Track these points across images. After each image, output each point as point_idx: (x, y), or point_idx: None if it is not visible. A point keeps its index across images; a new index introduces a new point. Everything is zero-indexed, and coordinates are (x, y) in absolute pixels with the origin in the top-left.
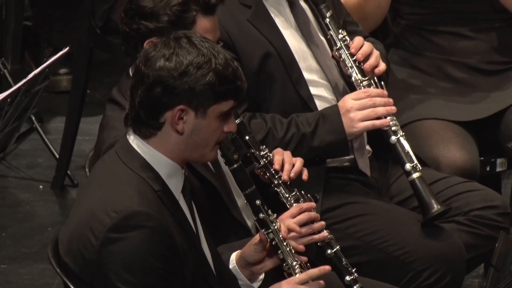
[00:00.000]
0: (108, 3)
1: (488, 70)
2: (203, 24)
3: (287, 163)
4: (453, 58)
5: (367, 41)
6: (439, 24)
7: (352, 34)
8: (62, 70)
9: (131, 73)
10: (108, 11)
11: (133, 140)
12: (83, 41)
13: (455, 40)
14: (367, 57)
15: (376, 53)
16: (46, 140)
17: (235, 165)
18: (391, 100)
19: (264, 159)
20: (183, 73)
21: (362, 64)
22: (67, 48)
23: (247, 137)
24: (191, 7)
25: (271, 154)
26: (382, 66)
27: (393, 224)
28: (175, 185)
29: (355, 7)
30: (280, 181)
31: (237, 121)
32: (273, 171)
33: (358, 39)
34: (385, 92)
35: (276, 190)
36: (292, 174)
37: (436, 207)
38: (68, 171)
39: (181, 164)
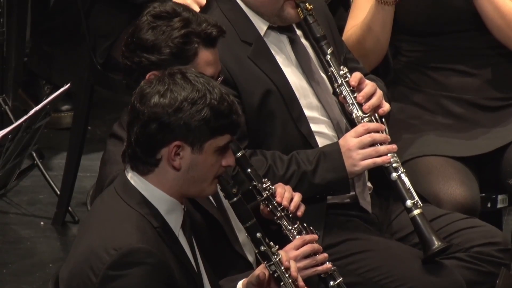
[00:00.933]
0: (109, 40)
1: (488, 106)
2: (205, 56)
3: (287, 191)
4: (453, 94)
5: (368, 78)
6: (439, 61)
7: (353, 71)
8: (63, 107)
9: None
10: (109, 48)
11: (132, 177)
12: (84, 78)
13: (454, 77)
14: (369, 98)
15: (379, 93)
16: (47, 176)
17: (235, 199)
18: (388, 137)
19: (267, 192)
20: (177, 109)
21: (363, 104)
22: (68, 85)
23: (249, 170)
24: (192, 39)
25: (273, 187)
26: (386, 107)
27: (394, 261)
28: (175, 221)
29: (355, 43)
30: (282, 214)
31: (239, 154)
32: (275, 204)
33: (356, 74)
34: (383, 126)
35: (279, 222)
36: (291, 207)
37: (437, 243)
38: (69, 208)
39: (180, 199)
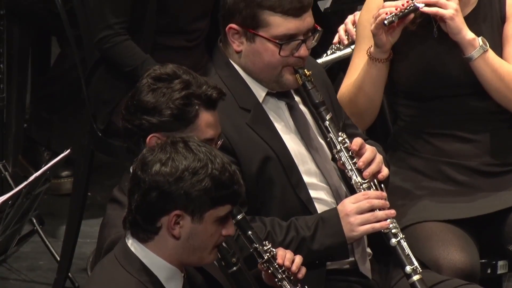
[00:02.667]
0: (110, 106)
1: (489, 172)
2: (205, 118)
3: (289, 253)
4: (452, 160)
5: (367, 144)
6: (438, 127)
7: (352, 137)
8: (63, 173)
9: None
10: (110, 114)
11: (132, 244)
12: (84, 144)
13: (454, 143)
14: (368, 164)
15: (378, 158)
16: (47, 242)
17: (234, 268)
18: (387, 203)
19: (268, 254)
20: (178, 178)
21: (362, 170)
22: (68, 151)
23: (249, 232)
24: (193, 101)
25: (274, 250)
26: (385, 172)
27: None
28: None
29: (348, 102)
30: (284, 276)
31: (240, 216)
32: (276, 266)
33: (357, 139)
34: (384, 194)
35: (280, 284)
36: (293, 268)
37: None
38: (69, 274)
39: (180, 267)
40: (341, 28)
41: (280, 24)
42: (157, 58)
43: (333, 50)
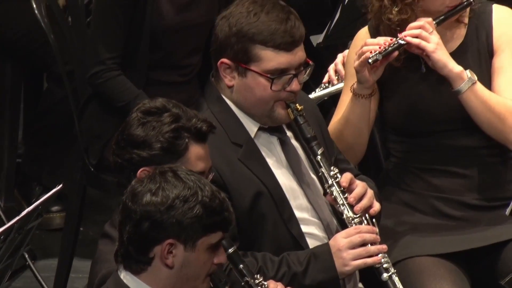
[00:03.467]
0: (102, 141)
1: (480, 206)
2: (195, 151)
3: (279, 285)
4: (444, 195)
5: (359, 178)
6: (429, 162)
7: (344, 172)
8: (55, 208)
9: None
10: (102, 149)
11: (125, 276)
12: (76, 179)
13: (445, 178)
14: (360, 199)
15: (369, 193)
16: (39, 277)
17: None
18: (378, 237)
19: (259, 287)
20: (170, 207)
21: (354, 205)
22: (60, 186)
23: (241, 266)
24: (183, 134)
25: (265, 283)
26: (377, 207)
27: None
28: None
29: (336, 138)
30: None
31: (231, 250)
32: None
33: (346, 174)
34: (375, 228)
35: None
36: None
37: None
38: None
39: None
40: (331, 68)
41: (272, 58)
42: (150, 93)
43: (322, 88)
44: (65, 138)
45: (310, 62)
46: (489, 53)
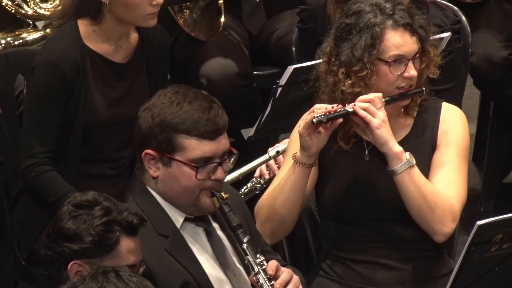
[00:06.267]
0: (33, 234)
1: None
2: (126, 244)
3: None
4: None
5: (288, 267)
6: (364, 254)
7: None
8: None
9: None
10: (33, 242)
11: None
12: (7, 272)
13: (379, 270)
14: (285, 285)
15: (295, 279)
16: None
17: None
18: None
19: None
20: None
21: None
22: None
23: None
24: (114, 227)
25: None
26: None
27: None
28: None
29: (270, 201)
30: None
31: None
32: None
33: (272, 262)
34: None
35: None
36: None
37: None
38: None
39: None
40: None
41: (196, 147)
42: (81, 186)
43: (253, 183)
44: None
45: (234, 151)
46: (432, 147)
